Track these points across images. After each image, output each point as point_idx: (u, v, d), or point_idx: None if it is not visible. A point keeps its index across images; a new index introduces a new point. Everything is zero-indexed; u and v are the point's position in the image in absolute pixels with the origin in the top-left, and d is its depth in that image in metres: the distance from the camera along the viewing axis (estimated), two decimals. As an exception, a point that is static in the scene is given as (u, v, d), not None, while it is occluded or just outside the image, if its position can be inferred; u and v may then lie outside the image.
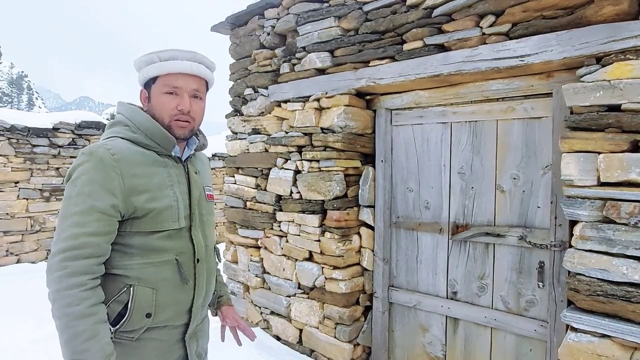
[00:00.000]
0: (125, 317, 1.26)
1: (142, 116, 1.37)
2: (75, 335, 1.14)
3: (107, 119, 10.50)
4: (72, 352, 1.14)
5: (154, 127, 1.35)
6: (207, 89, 1.49)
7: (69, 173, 1.27)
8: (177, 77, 1.36)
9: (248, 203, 3.62)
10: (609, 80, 1.83)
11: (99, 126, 7.17)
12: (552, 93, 2.22)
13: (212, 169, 8.70)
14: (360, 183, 2.99)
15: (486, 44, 2.29)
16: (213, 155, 8.66)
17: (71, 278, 1.16)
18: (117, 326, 1.26)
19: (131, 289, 1.27)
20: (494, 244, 2.48)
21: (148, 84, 1.40)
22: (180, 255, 1.36)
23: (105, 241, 1.22)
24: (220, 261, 1.63)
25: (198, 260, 1.40)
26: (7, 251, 6.37)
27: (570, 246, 1.93)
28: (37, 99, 55.47)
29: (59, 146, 6.79)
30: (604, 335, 1.82)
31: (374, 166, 3.00)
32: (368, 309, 3.06)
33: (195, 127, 1.45)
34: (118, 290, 1.27)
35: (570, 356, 1.89)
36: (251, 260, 3.58)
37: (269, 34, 3.43)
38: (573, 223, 1.98)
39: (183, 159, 1.45)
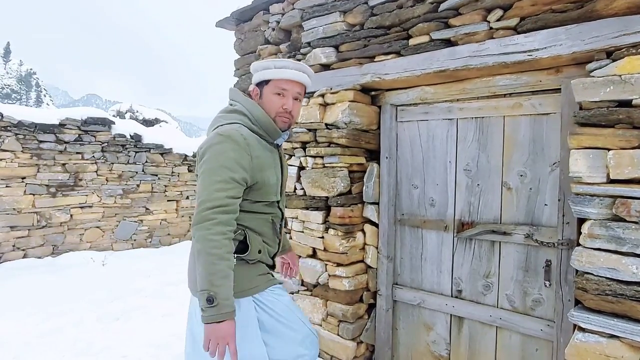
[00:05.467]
0: (248, 250, 1.71)
1: (259, 111, 1.72)
2: (215, 272, 1.48)
3: (114, 115, 10.53)
4: (209, 284, 1.47)
5: (268, 122, 1.73)
6: (305, 92, 1.88)
7: (206, 148, 1.60)
8: (286, 82, 1.75)
9: (252, 199, 3.60)
10: (620, 75, 1.79)
11: (105, 122, 7.18)
12: (560, 89, 2.18)
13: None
14: (365, 180, 2.96)
15: (493, 38, 2.25)
16: (219, 152, 8.66)
17: (219, 226, 1.50)
18: (242, 255, 1.69)
19: (245, 231, 1.71)
20: (499, 242, 2.45)
21: (261, 84, 1.77)
22: (274, 218, 1.83)
23: (238, 203, 1.60)
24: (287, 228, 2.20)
25: (282, 225, 1.91)
26: (13, 246, 6.41)
27: (578, 244, 1.89)
28: (45, 96, 55.79)
29: (65, 142, 6.81)
30: (612, 336, 1.78)
31: (378, 163, 2.97)
32: (372, 307, 3.03)
33: (293, 123, 1.84)
34: (236, 231, 1.65)
35: (577, 356, 1.85)
36: (255, 257, 3.56)
37: (273, 29, 3.41)
38: (581, 221, 1.93)
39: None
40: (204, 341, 1.50)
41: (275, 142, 1.81)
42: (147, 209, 7.81)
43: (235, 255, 1.65)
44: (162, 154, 7.92)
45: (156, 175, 7.87)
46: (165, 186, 8.02)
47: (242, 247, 1.71)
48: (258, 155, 1.66)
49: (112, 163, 7.32)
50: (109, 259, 6.83)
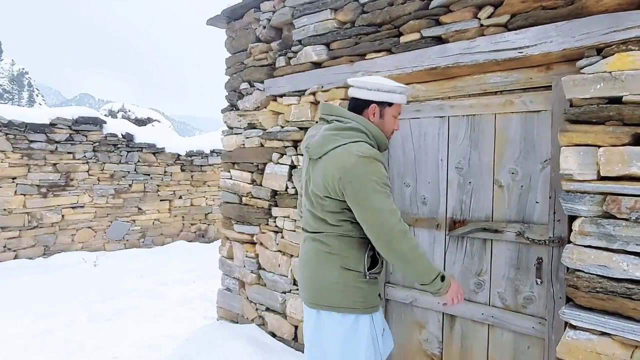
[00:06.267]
0: (377, 265, 1.84)
1: (374, 128, 1.82)
2: (429, 262, 1.71)
3: (106, 115, 10.45)
4: (434, 271, 1.71)
5: (382, 138, 1.85)
6: None
7: (354, 171, 1.66)
8: (401, 107, 1.95)
9: (244, 198, 3.58)
10: (610, 72, 1.78)
11: (96, 122, 7.13)
12: (551, 86, 2.17)
13: (210, 165, 8.65)
14: (357, 178, 2.94)
15: (484, 35, 2.24)
16: (211, 152, 8.62)
17: (408, 232, 1.68)
18: (372, 269, 1.81)
19: (371, 244, 1.78)
20: (491, 240, 2.44)
21: (382, 104, 1.86)
22: None
23: None
24: None
25: None
26: (4, 247, 6.36)
27: (569, 242, 1.88)
28: (37, 95, 55.30)
29: (56, 142, 6.77)
30: (603, 333, 1.78)
31: (370, 161, 2.95)
32: (364, 306, 3.02)
33: None
34: (366, 249, 1.80)
35: (569, 354, 1.84)
36: (246, 256, 3.54)
37: (264, 27, 3.38)
38: (572, 218, 1.93)
39: None
40: (447, 302, 1.80)
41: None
42: (139, 208, 7.77)
43: (369, 272, 1.80)
44: (154, 154, 7.88)
45: (148, 175, 7.83)
46: (158, 186, 7.98)
47: (372, 262, 1.82)
48: (386, 166, 1.80)
49: (104, 163, 7.27)
50: (101, 259, 6.78)
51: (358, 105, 1.86)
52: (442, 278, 1.73)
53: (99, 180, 7.25)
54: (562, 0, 2.00)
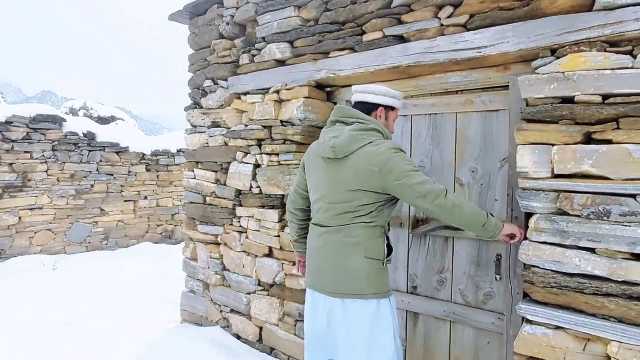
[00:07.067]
0: (392, 253, 2.01)
1: (387, 130, 2.02)
2: (475, 205, 1.88)
3: (66, 113, 10.11)
4: (482, 213, 1.84)
5: (390, 136, 2.03)
6: None
7: (391, 161, 1.83)
8: (398, 111, 2.17)
9: (207, 198, 3.51)
10: (563, 72, 1.82)
11: (55, 120, 6.87)
12: (509, 85, 2.21)
13: (177, 164, 8.48)
14: (321, 177, 2.92)
15: (444, 35, 2.26)
16: (178, 151, 8.43)
17: (444, 190, 1.83)
18: (387, 257, 1.97)
19: (387, 234, 2.01)
20: (452, 238, 2.47)
21: (387, 108, 2.05)
22: None
23: None
24: None
25: None
26: (-45, 251, 6.04)
27: (526, 238, 1.92)
28: (-5, 92, 53.00)
29: (13, 140, 6.47)
30: (558, 327, 1.82)
31: (335, 160, 2.95)
32: (329, 305, 3.01)
33: None
34: (384, 239, 1.96)
35: (525, 348, 1.88)
36: (211, 257, 3.47)
37: (228, 23, 3.33)
38: (528, 215, 1.97)
39: None
40: (516, 234, 1.93)
41: None
42: (102, 209, 7.53)
43: (386, 259, 1.97)
44: (117, 153, 7.65)
45: (112, 175, 7.59)
46: (122, 186, 7.75)
47: (388, 250, 1.98)
48: None
49: (64, 162, 7.01)
50: (61, 262, 6.53)
51: (365, 109, 2.02)
52: (492, 214, 1.90)
53: (58, 180, 6.98)
54: (518, 1, 2.04)
